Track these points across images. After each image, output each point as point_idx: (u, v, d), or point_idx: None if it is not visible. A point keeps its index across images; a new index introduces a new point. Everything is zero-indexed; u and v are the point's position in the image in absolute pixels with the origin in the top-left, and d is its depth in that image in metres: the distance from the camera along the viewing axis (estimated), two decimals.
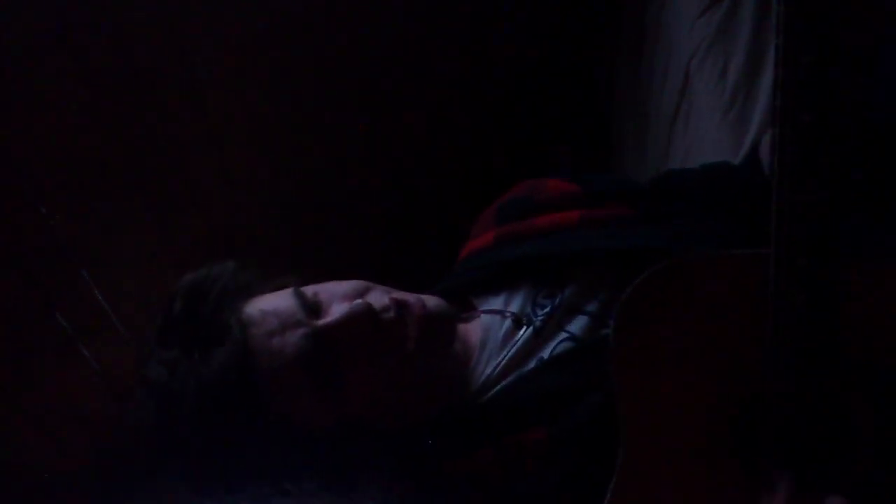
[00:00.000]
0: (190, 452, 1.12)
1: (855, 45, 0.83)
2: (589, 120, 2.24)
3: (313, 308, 1.14)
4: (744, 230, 0.95)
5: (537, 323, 1.19)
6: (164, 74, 1.94)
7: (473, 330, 1.23)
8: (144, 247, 1.99)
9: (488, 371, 1.18)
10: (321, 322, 1.11)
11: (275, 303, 1.14)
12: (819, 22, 0.82)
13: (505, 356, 1.18)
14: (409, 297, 1.15)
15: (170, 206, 2.00)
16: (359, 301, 1.12)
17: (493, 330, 1.21)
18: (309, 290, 1.15)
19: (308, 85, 2.05)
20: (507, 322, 1.21)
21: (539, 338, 1.18)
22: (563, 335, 1.17)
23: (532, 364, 1.16)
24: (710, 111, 1.80)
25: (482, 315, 1.24)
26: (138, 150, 1.95)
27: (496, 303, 1.23)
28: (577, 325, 1.18)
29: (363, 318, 1.11)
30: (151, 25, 1.91)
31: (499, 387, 1.17)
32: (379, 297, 1.14)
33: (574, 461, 1.07)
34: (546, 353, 1.16)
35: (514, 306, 1.22)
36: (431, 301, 1.15)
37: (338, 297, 1.15)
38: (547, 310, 1.19)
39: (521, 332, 1.19)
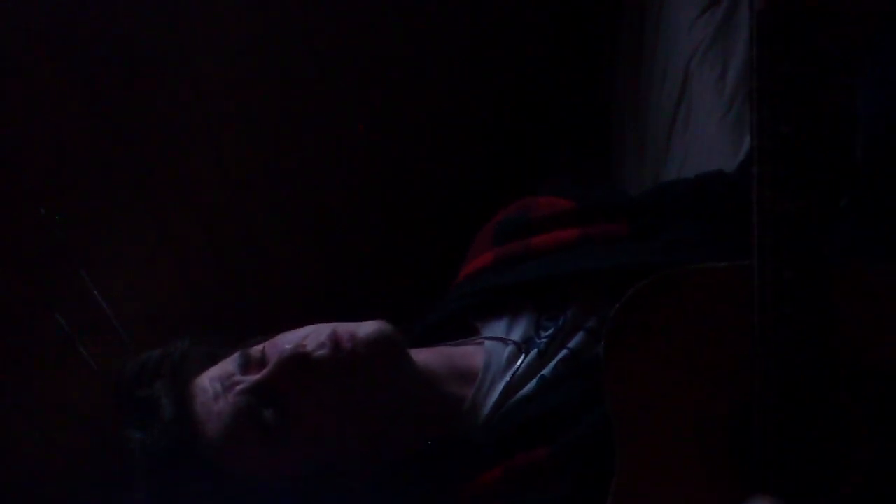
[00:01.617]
0: None
1: (834, 52, 0.82)
2: (589, 121, 2.24)
3: (258, 364, 1.15)
4: (739, 240, 0.95)
5: (541, 346, 1.19)
6: (164, 74, 1.94)
7: (476, 355, 1.23)
8: (144, 247, 1.99)
9: (493, 394, 1.19)
10: (257, 376, 1.13)
11: (221, 367, 1.17)
12: (794, 31, 0.81)
13: (509, 379, 1.19)
14: (343, 329, 1.15)
15: (169, 207, 2.00)
16: (286, 346, 1.13)
17: (496, 354, 1.22)
18: (258, 347, 1.17)
19: (308, 85, 2.05)
20: (511, 346, 1.21)
21: (542, 359, 1.18)
22: (564, 353, 1.17)
23: (534, 383, 1.17)
24: (710, 111, 1.80)
25: (485, 341, 1.24)
26: (138, 151, 1.95)
27: (499, 327, 1.24)
28: (576, 341, 1.18)
29: (292, 362, 1.12)
30: (151, 25, 1.90)
31: (503, 409, 1.17)
32: (316, 338, 1.14)
33: (578, 477, 1.07)
34: (547, 372, 1.17)
35: (518, 332, 1.23)
36: (364, 329, 1.15)
37: (280, 348, 1.16)
38: (550, 332, 1.20)
39: (525, 355, 1.20)
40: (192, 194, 2.01)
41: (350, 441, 1.14)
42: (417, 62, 2.10)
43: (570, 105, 2.24)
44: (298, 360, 1.12)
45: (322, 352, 1.13)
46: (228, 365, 1.17)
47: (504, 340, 1.21)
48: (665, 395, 0.97)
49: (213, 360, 1.20)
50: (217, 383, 1.15)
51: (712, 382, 0.96)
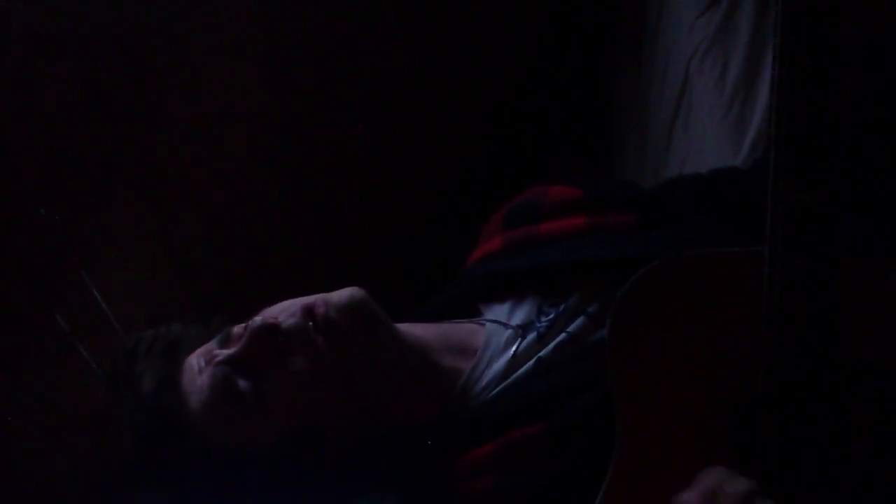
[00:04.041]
0: (159, 490, 1.24)
1: (854, 42, 0.83)
2: (589, 121, 2.24)
3: (238, 339, 1.19)
4: (748, 236, 0.96)
5: (541, 329, 1.20)
6: (164, 74, 1.94)
7: (476, 334, 1.24)
8: (144, 247, 1.99)
9: (489, 373, 1.20)
10: (232, 349, 1.17)
11: (207, 345, 1.22)
12: (817, 21, 0.82)
13: (506, 360, 1.20)
14: (316, 297, 1.18)
15: (169, 207, 2.00)
16: (256, 319, 1.17)
17: (496, 335, 1.23)
18: (241, 325, 1.20)
19: (308, 85, 2.05)
20: (510, 330, 1.22)
21: (541, 342, 1.19)
22: (563, 336, 1.18)
23: (531, 364, 1.18)
24: (710, 111, 1.80)
25: (486, 323, 1.25)
26: (137, 150, 1.95)
27: (501, 311, 1.25)
28: (576, 325, 1.19)
29: (262, 333, 1.16)
30: (151, 25, 1.90)
31: (499, 387, 1.18)
32: (289, 310, 1.18)
33: (572, 455, 1.08)
34: (545, 354, 1.18)
35: (519, 316, 1.24)
36: (337, 295, 1.18)
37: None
38: (551, 316, 1.21)
39: (522, 339, 1.21)
40: (192, 194, 2.01)
41: (331, 410, 1.16)
42: (417, 62, 2.10)
43: (570, 105, 2.24)
44: (268, 331, 1.16)
45: (291, 321, 1.16)
46: (213, 342, 1.22)
47: (504, 324, 1.22)
48: (668, 380, 0.97)
49: (205, 340, 1.24)
50: (201, 359, 1.20)
51: (715, 370, 0.96)
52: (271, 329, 1.16)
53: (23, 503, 1.95)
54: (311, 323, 1.17)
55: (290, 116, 2.04)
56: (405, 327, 1.24)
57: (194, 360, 1.21)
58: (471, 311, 1.29)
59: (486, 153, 2.20)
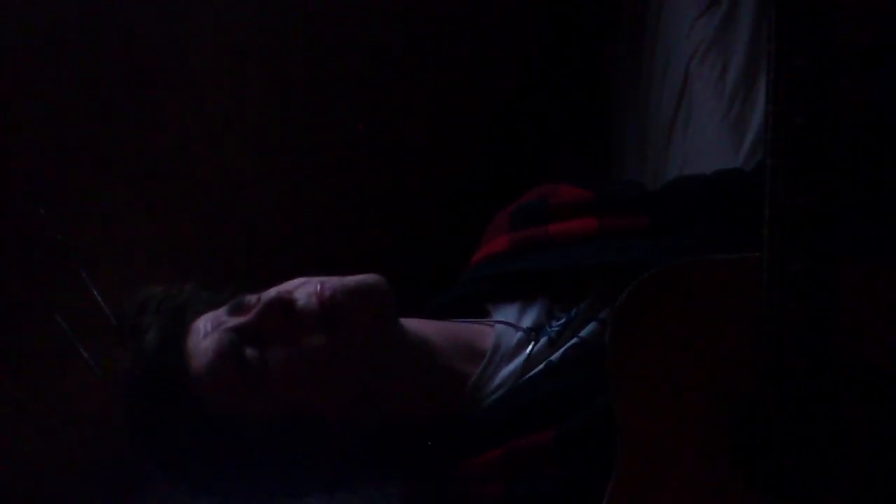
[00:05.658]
0: (149, 450, 1.23)
1: (851, 45, 0.83)
2: (589, 121, 2.24)
3: (248, 308, 1.18)
4: (756, 238, 0.95)
5: (552, 334, 1.19)
6: (164, 74, 1.94)
7: (485, 335, 1.23)
8: (144, 247, 1.99)
9: (499, 376, 1.19)
10: (244, 318, 1.17)
11: (216, 311, 1.20)
12: (812, 23, 0.82)
13: (517, 362, 1.19)
14: (332, 279, 1.17)
15: (169, 207, 2.00)
16: (270, 291, 1.16)
17: (505, 337, 1.21)
18: (253, 295, 1.20)
19: (307, 85, 2.05)
20: (521, 333, 1.21)
21: (552, 346, 1.18)
22: (574, 340, 1.17)
23: (541, 368, 1.17)
24: (710, 112, 1.80)
25: (496, 324, 1.24)
26: (137, 151, 1.95)
27: (511, 311, 1.24)
28: (587, 330, 1.18)
29: (274, 307, 1.16)
30: (151, 25, 1.91)
31: (508, 390, 1.17)
32: (305, 288, 1.17)
33: (581, 462, 1.07)
34: (555, 358, 1.17)
35: (529, 318, 1.23)
36: (349, 278, 1.18)
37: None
38: (562, 321, 1.20)
39: (535, 342, 1.20)
40: (192, 194, 2.01)
41: (331, 393, 1.15)
42: (417, 62, 2.10)
43: (570, 105, 2.24)
44: (282, 305, 1.15)
45: (305, 301, 1.16)
46: (223, 309, 1.21)
47: (514, 326, 1.21)
48: (668, 385, 0.97)
49: (214, 307, 1.23)
50: (209, 323, 1.19)
51: (715, 373, 0.96)
52: (286, 305, 1.16)
53: (23, 503, 1.95)
54: (323, 305, 1.16)
55: (290, 117, 2.05)
56: (413, 323, 1.23)
57: (201, 323, 1.20)
58: (477, 312, 1.28)
59: (487, 153, 2.20)
